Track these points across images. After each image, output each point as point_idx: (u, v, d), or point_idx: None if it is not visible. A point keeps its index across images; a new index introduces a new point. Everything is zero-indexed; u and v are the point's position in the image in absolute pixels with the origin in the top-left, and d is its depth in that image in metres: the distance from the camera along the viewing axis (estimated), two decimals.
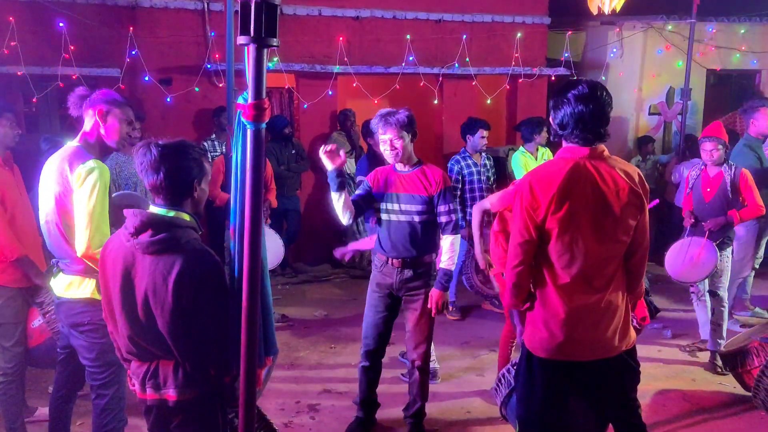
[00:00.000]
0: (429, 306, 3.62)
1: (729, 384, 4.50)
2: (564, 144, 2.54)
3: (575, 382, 2.57)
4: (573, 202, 2.42)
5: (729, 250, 4.83)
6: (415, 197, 3.58)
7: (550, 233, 2.45)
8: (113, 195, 2.94)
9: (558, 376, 2.57)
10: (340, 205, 3.58)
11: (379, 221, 3.74)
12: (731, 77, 9.48)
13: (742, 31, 8.77)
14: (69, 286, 2.95)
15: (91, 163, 2.84)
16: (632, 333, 2.63)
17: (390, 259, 3.68)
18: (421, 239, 3.64)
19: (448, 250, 3.61)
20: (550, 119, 2.57)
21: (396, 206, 3.63)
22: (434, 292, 3.60)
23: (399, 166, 3.66)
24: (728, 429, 3.99)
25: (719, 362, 4.67)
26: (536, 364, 2.59)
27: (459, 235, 3.66)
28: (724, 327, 4.81)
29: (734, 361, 4.20)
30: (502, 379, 3.44)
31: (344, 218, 3.62)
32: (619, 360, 2.58)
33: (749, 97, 8.51)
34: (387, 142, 3.55)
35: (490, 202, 4.16)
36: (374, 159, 6.10)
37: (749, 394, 4.14)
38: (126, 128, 3.00)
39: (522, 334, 2.76)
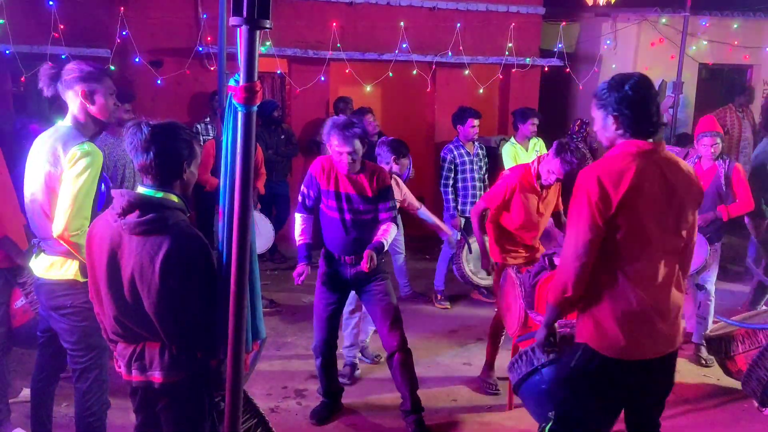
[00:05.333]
0: (362, 263, 3.61)
1: (713, 376, 4.55)
2: (621, 138, 2.46)
3: (634, 379, 2.54)
4: (643, 198, 2.38)
5: (718, 244, 4.85)
6: (364, 197, 3.67)
7: (619, 228, 2.40)
8: None
9: (621, 376, 2.51)
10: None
11: (317, 215, 3.82)
12: (723, 72, 9.51)
13: (735, 25, 8.79)
14: (51, 267, 2.90)
15: (87, 145, 2.79)
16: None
17: (342, 256, 3.75)
18: (371, 234, 3.73)
19: (384, 230, 3.72)
20: (609, 113, 2.44)
21: (345, 205, 3.68)
22: (367, 252, 3.63)
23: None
24: (712, 420, 4.03)
25: (704, 354, 4.71)
26: (598, 364, 2.49)
27: (395, 225, 3.78)
28: (710, 320, 4.84)
29: (718, 346, 4.23)
30: (524, 356, 3.22)
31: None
32: (673, 356, 2.59)
33: (740, 92, 8.56)
34: (344, 154, 3.58)
35: (484, 200, 4.18)
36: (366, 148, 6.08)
37: (733, 386, 4.18)
38: (112, 100, 2.93)
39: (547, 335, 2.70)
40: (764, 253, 5.60)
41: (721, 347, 4.22)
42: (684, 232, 2.50)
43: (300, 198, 3.84)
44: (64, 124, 2.91)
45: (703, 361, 4.71)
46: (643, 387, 2.59)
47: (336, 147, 3.58)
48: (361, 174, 3.70)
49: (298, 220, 3.82)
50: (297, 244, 3.80)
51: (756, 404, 3.94)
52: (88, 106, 2.88)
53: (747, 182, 4.70)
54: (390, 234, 3.73)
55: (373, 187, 3.68)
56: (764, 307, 5.50)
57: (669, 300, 2.50)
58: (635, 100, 2.40)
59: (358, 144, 3.56)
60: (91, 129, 2.92)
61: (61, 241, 2.75)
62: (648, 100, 2.42)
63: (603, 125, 2.50)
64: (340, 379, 4.17)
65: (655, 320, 2.47)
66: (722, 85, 9.42)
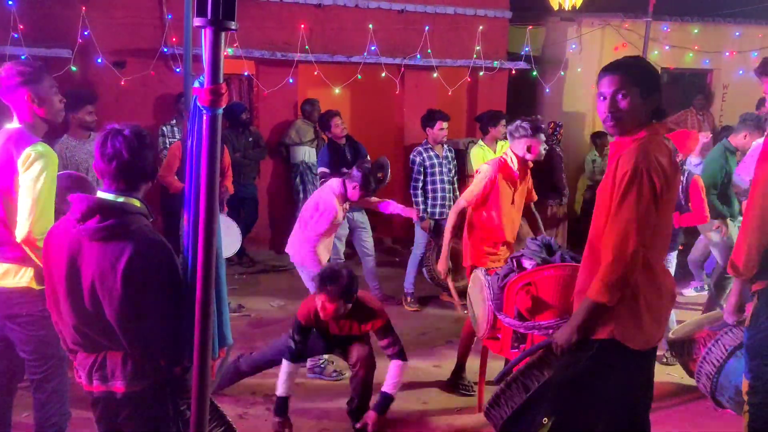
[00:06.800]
0: (360, 426, 3.68)
1: (677, 374, 4.63)
2: (648, 121, 2.44)
3: (647, 368, 2.57)
4: (673, 181, 2.40)
5: (674, 254, 4.92)
6: (352, 336, 3.80)
7: (663, 213, 2.37)
8: (57, 174, 2.83)
9: (640, 366, 2.50)
10: None
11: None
12: (684, 76, 9.73)
13: (696, 31, 9.00)
14: (4, 275, 2.82)
15: (40, 146, 2.73)
16: None
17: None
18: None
19: (394, 374, 3.71)
20: (654, 90, 2.46)
21: (334, 341, 3.85)
22: (371, 415, 3.67)
23: None
24: (676, 417, 4.11)
25: (667, 353, 4.79)
26: (624, 358, 2.40)
27: (407, 362, 3.78)
28: (672, 326, 4.91)
29: (681, 348, 4.31)
30: (512, 386, 2.84)
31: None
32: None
33: (698, 95, 8.80)
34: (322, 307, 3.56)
35: (465, 199, 4.16)
36: (334, 151, 6.07)
37: (696, 384, 4.26)
38: (58, 97, 2.88)
39: (594, 334, 2.43)
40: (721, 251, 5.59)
41: (683, 350, 4.30)
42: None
43: (289, 344, 3.75)
44: (13, 125, 2.84)
45: (665, 359, 4.79)
46: (648, 375, 2.60)
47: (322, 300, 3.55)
48: (349, 319, 3.71)
49: (284, 367, 3.71)
50: (277, 394, 3.69)
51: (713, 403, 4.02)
52: (35, 108, 2.81)
53: (703, 196, 4.79)
54: (399, 377, 3.70)
55: (361, 330, 3.76)
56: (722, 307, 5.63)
57: (674, 285, 2.58)
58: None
59: (343, 298, 3.52)
60: (42, 129, 2.87)
61: (26, 246, 2.68)
62: None
63: (642, 101, 2.41)
64: (310, 375, 4.45)
65: (670, 306, 2.54)
66: (683, 89, 9.64)
